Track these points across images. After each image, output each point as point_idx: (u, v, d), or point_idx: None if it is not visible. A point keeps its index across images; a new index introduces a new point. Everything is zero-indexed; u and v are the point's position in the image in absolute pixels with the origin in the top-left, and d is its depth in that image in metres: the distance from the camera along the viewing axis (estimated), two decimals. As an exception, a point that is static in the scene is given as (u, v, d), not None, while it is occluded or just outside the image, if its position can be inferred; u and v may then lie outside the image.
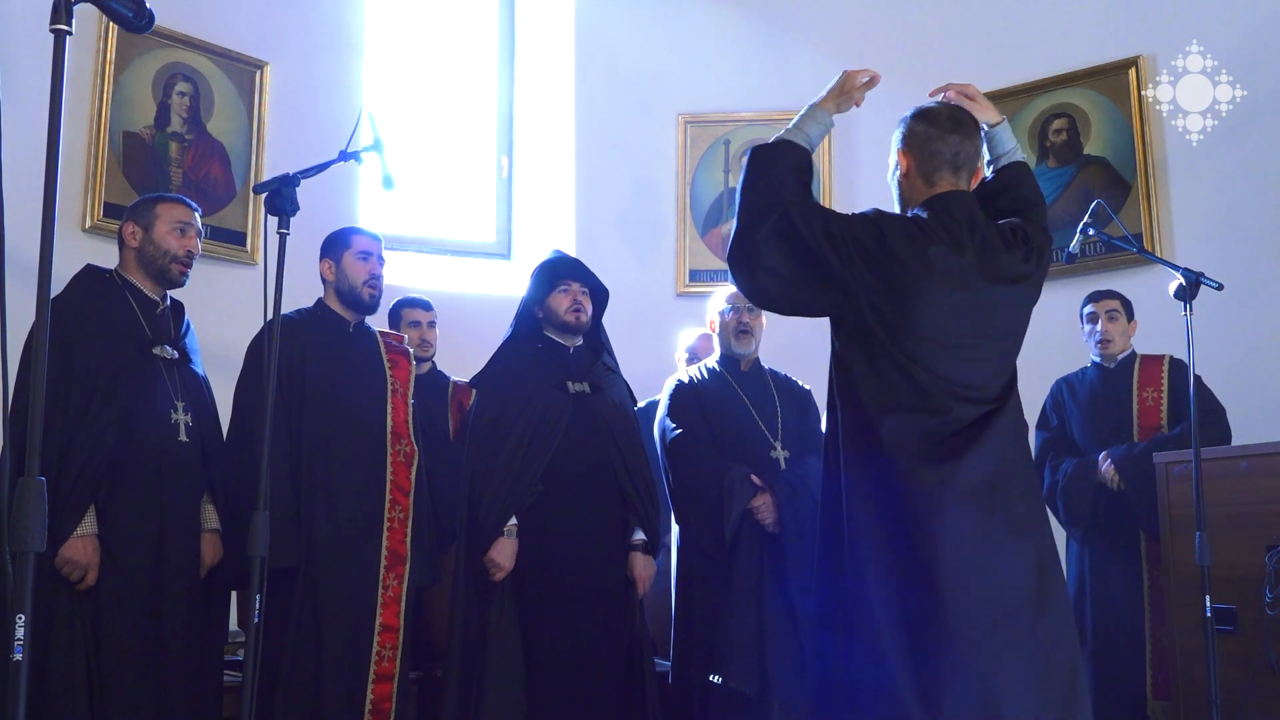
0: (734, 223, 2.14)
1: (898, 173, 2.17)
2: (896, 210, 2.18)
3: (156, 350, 2.82)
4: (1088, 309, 3.99)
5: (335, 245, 3.18)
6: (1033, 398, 4.02)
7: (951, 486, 1.93)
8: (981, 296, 2.02)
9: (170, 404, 2.80)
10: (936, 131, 2.09)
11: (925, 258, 1.98)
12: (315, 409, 2.98)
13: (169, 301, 2.95)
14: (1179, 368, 3.76)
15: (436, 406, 3.89)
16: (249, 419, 2.89)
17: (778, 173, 2.12)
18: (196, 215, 2.96)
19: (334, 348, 3.09)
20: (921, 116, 2.13)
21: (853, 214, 2.08)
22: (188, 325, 3.00)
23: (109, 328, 2.76)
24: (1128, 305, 3.96)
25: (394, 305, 4.12)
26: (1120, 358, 3.95)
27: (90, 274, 2.85)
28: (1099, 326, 3.94)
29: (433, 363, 4.12)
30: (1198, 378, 3.73)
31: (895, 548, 1.93)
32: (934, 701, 1.86)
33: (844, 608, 1.99)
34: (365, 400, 3.07)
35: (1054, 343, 4.45)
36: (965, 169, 2.12)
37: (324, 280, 3.18)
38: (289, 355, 2.95)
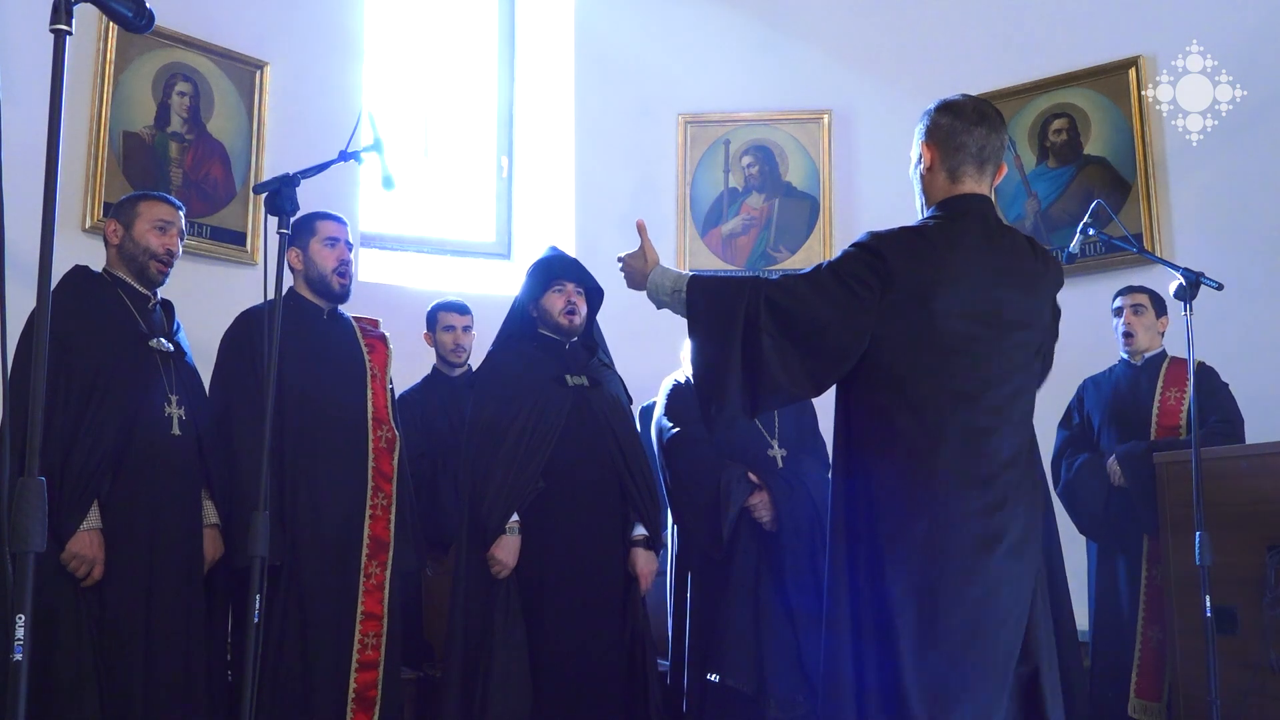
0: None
1: (920, 166, 2.13)
2: (917, 204, 2.16)
3: (153, 343, 2.82)
4: (1115, 303, 3.92)
5: (301, 232, 3.09)
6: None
7: (970, 498, 1.93)
8: (996, 299, 2.00)
9: (164, 398, 2.79)
10: (961, 124, 2.06)
11: (931, 266, 1.96)
12: (293, 400, 2.94)
13: (159, 298, 2.94)
14: (1207, 372, 3.71)
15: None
16: (225, 415, 2.89)
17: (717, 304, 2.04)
18: (180, 214, 2.94)
19: (308, 337, 3.05)
20: (946, 109, 2.09)
21: (842, 253, 2.04)
22: (178, 324, 2.99)
23: (104, 323, 2.75)
24: (1157, 301, 3.86)
25: (431, 308, 4.12)
26: (1148, 355, 3.88)
27: (79, 273, 2.84)
28: (1123, 319, 3.88)
29: (468, 366, 4.09)
30: (1224, 385, 3.74)
31: (917, 555, 1.93)
32: (943, 707, 1.87)
33: (864, 612, 1.98)
34: (344, 388, 3.04)
35: (1062, 344, 4.46)
36: (990, 163, 2.08)
37: (292, 269, 3.11)
38: (262, 349, 2.92)
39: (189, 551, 2.79)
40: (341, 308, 3.20)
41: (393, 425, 3.10)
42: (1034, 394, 2.12)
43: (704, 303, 2.04)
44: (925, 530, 1.92)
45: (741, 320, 1.98)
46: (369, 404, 3.06)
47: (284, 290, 2.33)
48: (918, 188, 2.15)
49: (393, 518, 3.01)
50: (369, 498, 2.99)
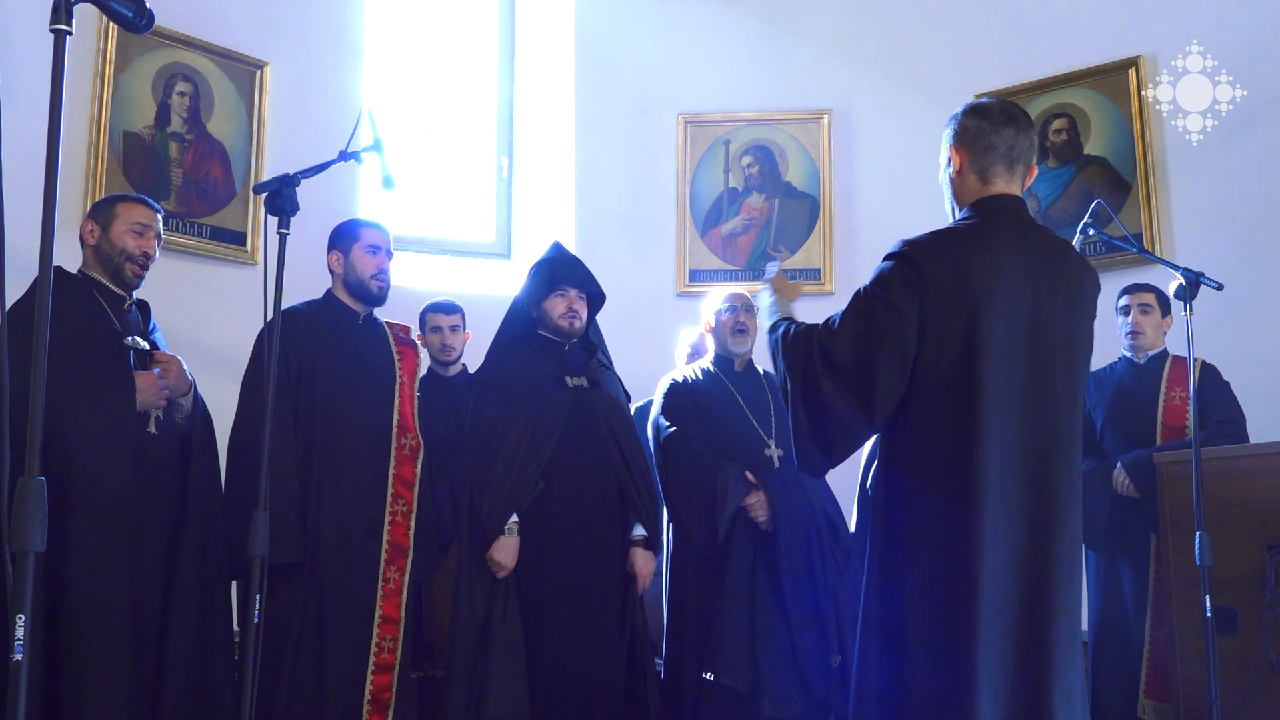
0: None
1: (950, 170, 2.12)
2: (947, 207, 2.15)
3: (127, 341, 2.79)
4: (1121, 301, 3.91)
5: (344, 238, 3.18)
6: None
7: (1009, 502, 1.92)
8: (1033, 295, 1.98)
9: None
10: (990, 125, 2.05)
11: (964, 264, 1.95)
12: (324, 403, 2.98)
13: (134, 299, 2.92)
14: (1209, 371, 3.72)
15: (464, 409, 3.87)
16: (253, 412, 2.89)
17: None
18: (158, 217, 2.93)
19: (343, 340, 3.10)
20: (974, 111, 2.08)
21: (877, 271, 2.03)
22: (154, 325, 2.98)
23: (78, 322, 2.71)
24: (1163, 300, 3.83)
25: (421, 311, 4.12)
26: (1151, 354, 3.87)
27: (54, 273, 2.80)
28: (1130, 319, 3.86)
29: (463, 366, 4.09)
30: (1226, 383, 3.74)
31: (950, 559, 1.91)
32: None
33: (897, 619, 1.96)
34: (373, 394, 3.07)
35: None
36: (1020, 164, 2.07)
37: (332, 272, 3.19)
38: (298, 348, 2.96)
39: (168, 552, 2.74)
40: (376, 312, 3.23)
41: (417, 433, 3.11)
42: (1080, 391, 2.08)
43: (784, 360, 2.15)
44: (960, 534, 1.89)
45: (800, 376, 2.07)
46: (395, 411, 3.08)
47: (283, 291, 2.33)
48: (948, 192, 2.14)
49: (413, 524, 3.04)
50: (389, 504, 3.01)
